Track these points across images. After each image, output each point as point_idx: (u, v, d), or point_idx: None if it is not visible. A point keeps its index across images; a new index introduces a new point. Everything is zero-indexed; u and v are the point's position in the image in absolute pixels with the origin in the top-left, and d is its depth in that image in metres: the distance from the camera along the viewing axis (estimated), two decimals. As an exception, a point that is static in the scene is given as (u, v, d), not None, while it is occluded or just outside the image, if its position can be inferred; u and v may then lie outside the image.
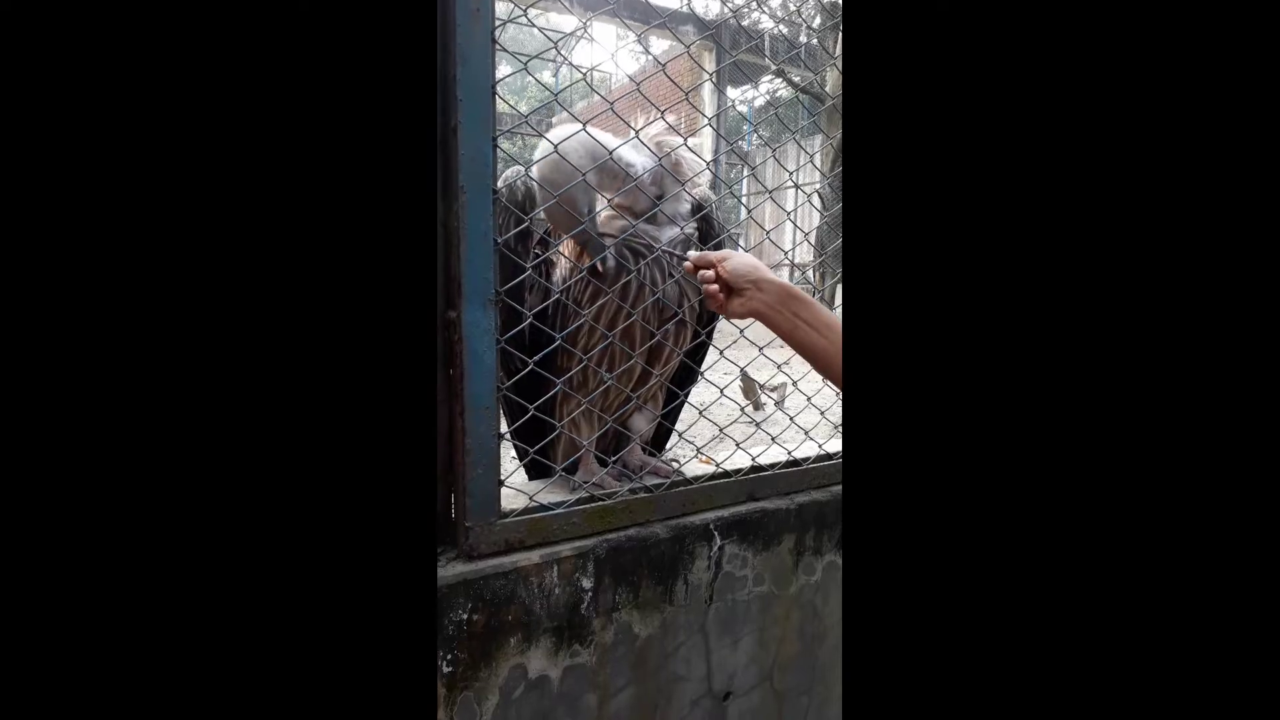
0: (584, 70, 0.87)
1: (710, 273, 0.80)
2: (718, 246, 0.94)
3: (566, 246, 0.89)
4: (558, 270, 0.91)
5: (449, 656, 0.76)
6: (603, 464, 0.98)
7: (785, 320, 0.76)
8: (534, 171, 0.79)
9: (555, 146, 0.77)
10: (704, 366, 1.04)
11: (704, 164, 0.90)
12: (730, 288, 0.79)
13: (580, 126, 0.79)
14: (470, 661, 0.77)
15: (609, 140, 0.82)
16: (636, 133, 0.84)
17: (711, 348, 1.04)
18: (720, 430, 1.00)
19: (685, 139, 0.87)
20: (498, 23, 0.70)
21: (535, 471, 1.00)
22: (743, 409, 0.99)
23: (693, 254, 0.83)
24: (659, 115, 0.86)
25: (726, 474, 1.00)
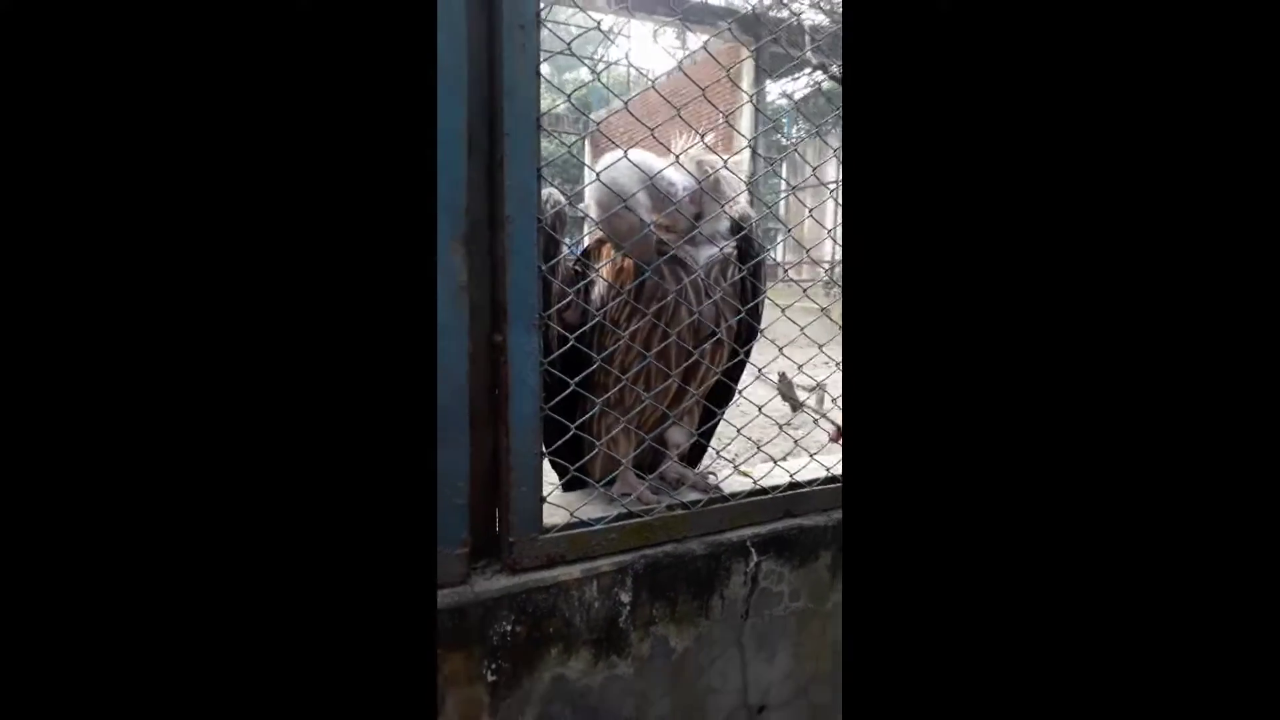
0: (599, 74, 0.87)
1: None
2: (757, 266, 0.94)
3: (607, 269, 0.90)
4: (596, 290, 0.93)
5: (493, 666, 0.79)
6: (641, 478, 0.99)
7: None
8: (589, 196, 0.81)
9: (598, 175, 0.80)
10: (741, 384, 1.04)
11: (743, 184, 0.90)
12: None
13: (623, 154, 0.81)
14: (513, 671, 0.80)
15: (652, 162, 0.83)
16: (677, 157, 0.85)
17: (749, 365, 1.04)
18: (758, 447, 1.00)
19: (725, 159, 0.88)
20: (543, 54, 0.72)
21: (569, 483, 1.03)
22: (782, 427, 0.99)
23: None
24: (699, 137, 0.87)
25: (764, 491, 1.00)
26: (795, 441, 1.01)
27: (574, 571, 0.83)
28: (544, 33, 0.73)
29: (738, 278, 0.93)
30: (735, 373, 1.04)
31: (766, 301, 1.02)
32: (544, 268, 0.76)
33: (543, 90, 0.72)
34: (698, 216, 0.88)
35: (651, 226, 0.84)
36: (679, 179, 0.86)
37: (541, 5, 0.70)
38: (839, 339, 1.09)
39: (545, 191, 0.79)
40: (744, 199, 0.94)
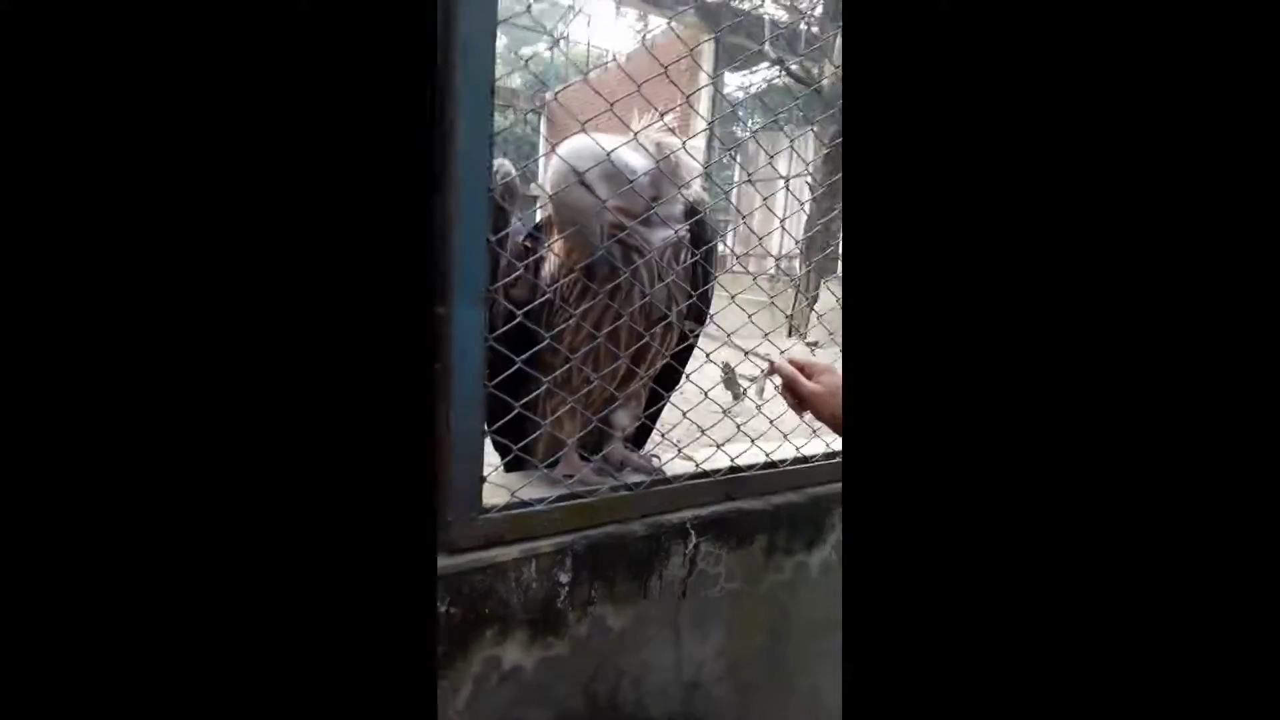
0: (557, 46, 0.86)
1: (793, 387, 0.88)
2: (710, 251, 0.94)
3: (559, 246, 0.88)
4: (546, 266, 0.91)
5: (425, 646, 0.77)
6: (584, 460, 0.99)
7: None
8: (546, 175, 0.79)
9: (579, 173, 0.78)
10: (689, 368, 1.05)
11: (700, 167, 0.90)
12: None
13: (589, 139, 0.79)
14: (446, 653, 0.78)
15: (612, 145, 0.82)
16: (635, 134, 0.84)
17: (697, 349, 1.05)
18: (702, 431, 1.01)
19: (684, 141, 0.87)
20: (502, 22, 0.69)
21: (511, 464, 1.01)
22: (725, 411, 1.00)
23: (783, 365, 0.89)
24: (658, 116, 0.86)
25: (705, 474, 1.01)
26: (738, 426, 1.03)
27: (512, 552, 0.82)
28: (512, 2, 0.70)
29: (690, 262, 0.93)
30: (683, 357, 1.05)
31: (716, 289, 1.03)
32: (492, 240, 0.73)
33: (499, 63, 0.70)
34: (654, 199, 0.88)
35: (607, 206, 0.83)
36: (638, 162, 0.85)
37: (500, -37, 0.67)
38: (783, 329, 1.11)
39: (496, 162, 0.76)
40: (698, 184, 0.94)
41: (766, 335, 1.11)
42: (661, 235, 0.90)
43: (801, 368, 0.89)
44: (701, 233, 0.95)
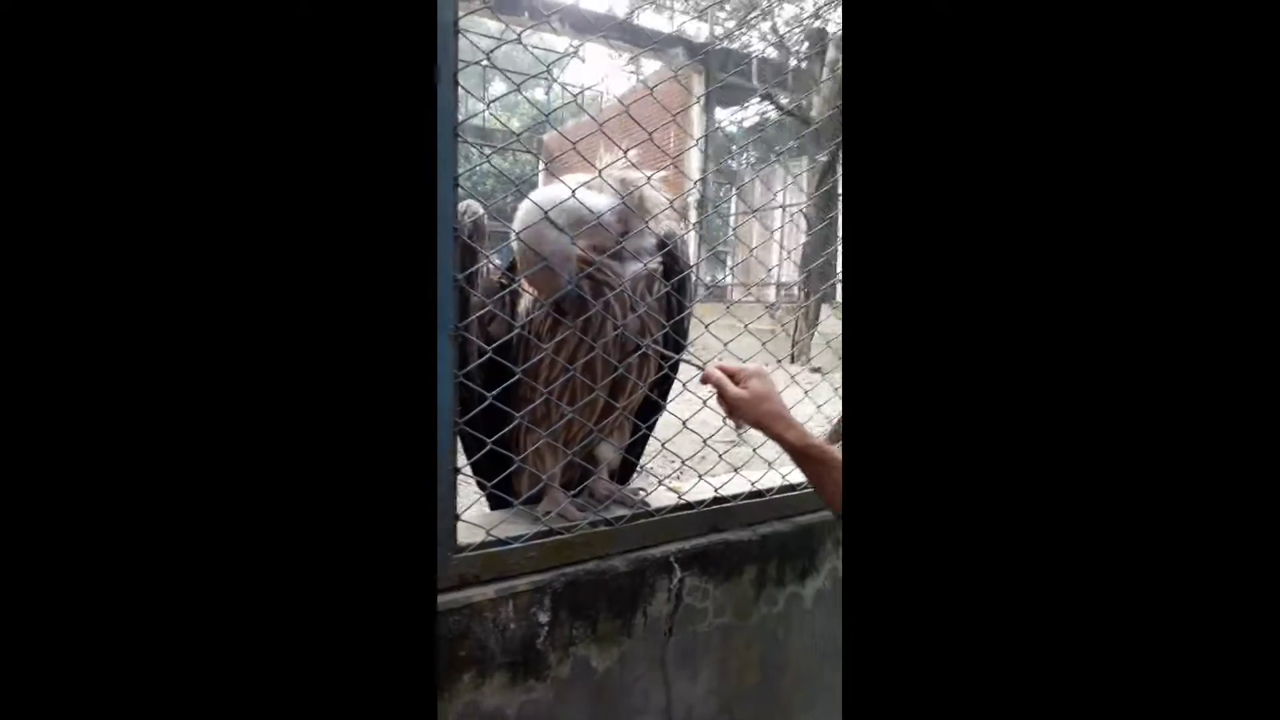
0: (574, 90, 0.89)
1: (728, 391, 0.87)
2: (682, 282, 0.95)
3: (528, 281, 0.89)
4: (522, 302, 0.92)
5: (399, 692, 0.75)
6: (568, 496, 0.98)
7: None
8: (516, 240, 0.81)
9: (545, 212, 0.80)
10: (668, 398, 1.05)
11: (667, 201, 0.91)
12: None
13: (563, 187, 0.81)
14: (421, 697, 0.76)
15: (578, 190, 0.84)
16: (599, 172, 0.86)
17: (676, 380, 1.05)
18: (683, 462, 1.00)
19: (649, 176, 0.89)
20: (473, 59, 0.72)
21: (496, 502, 1.00)
22: (706, 440, 0.99)
23: (712, 371, 0.89)
24: (622, 154, 0.88)
25: (688, 506, 1.00)
26: (720, 455, 1.02)
27: (488, 592, 0.80)
28: (510, 49, 0.72)
29: (662, 293, 0.94)
30: (662, 387, 1.04)
31: (695, 320, 1.03)
32: (460, 278, 0.74)
33: (503, 107, 0.72)
34: (624, 234, 0.89)
35: (575, 244, 0.84)
36: (601, 201, 0.86)
37: (495, 26, 0.70)
38: (764, 355, 1.11)
39: (463, 204, 0.78)
40: (669, 214, 0.95)
41: (743, 363, 1.11)
42: (633, 268, 0.91)
43: (732, 374, 0.88)
44: (673, 264, 0.96)
